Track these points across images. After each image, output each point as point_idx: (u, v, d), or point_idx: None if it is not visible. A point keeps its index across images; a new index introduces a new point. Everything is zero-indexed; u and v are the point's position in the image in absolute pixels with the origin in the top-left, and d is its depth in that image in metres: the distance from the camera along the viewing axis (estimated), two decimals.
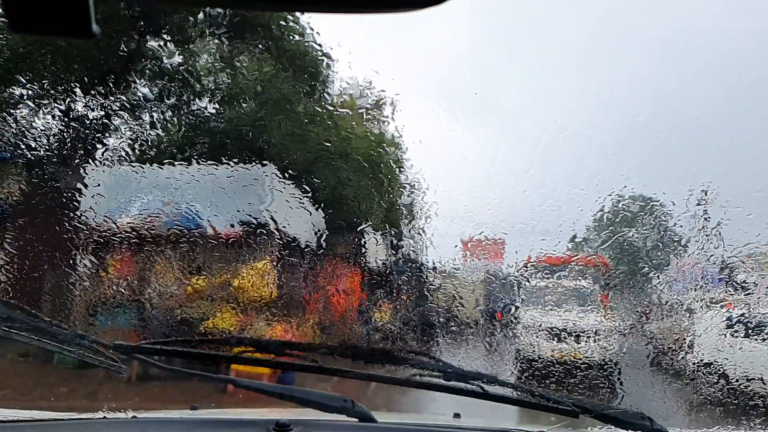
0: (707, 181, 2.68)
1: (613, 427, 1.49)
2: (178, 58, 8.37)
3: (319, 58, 7.02)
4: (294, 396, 1.34)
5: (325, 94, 7.13)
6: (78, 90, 9.72)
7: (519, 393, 1.19)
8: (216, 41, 7.85)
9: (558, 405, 1.15)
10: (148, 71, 7.96)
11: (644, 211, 3.57)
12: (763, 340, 3.40)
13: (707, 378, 2.29)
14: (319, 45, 6.56)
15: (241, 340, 1.32)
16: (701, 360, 2.71)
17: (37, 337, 1.26)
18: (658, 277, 3.79)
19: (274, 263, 9.50)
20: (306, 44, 6.97)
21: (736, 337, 3.22)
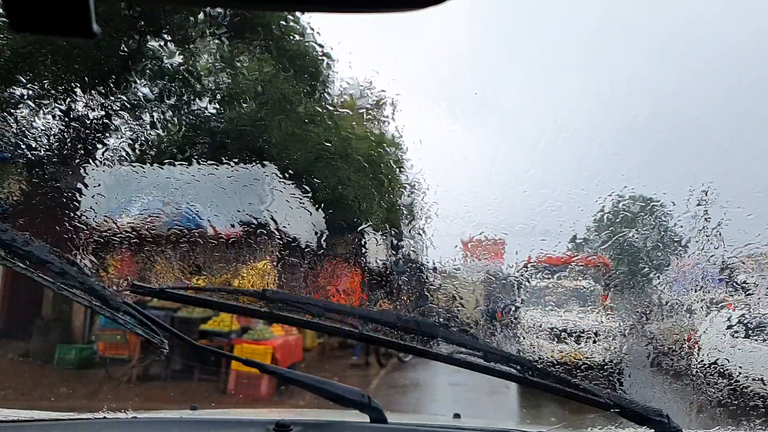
0: (707, 182, 2.68)
1: (613, 427, 1.49)
2: (178, 58, 8.37)
3: (320, 58, 7.02)
4: (312, 385, 1.33)
5: (325, 94, 7.13)
6: (78, 90, 9.72)
7: (556, 382, 1.18)
8: (216, 41, 7.85)
9: (594, 397, 1.16)
10: (148, 71, 7.97)
11: (644, 211, 3.57)
12: (764, 340, 3.40)
13: (707, 378, 2.29)
14: (320, 45, 6.57)
15: (278, 296, 1.24)
16: (701, 360, 2.71)
17: (90, 298, 1.24)
18: (658, 277, 3.79)
19: (274, 263, 9.51)
20: (306, 44, 6.98)
21: (737, 337, 3.22)
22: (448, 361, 1.20)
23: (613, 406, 1.14)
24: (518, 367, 1.17)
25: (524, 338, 9.48)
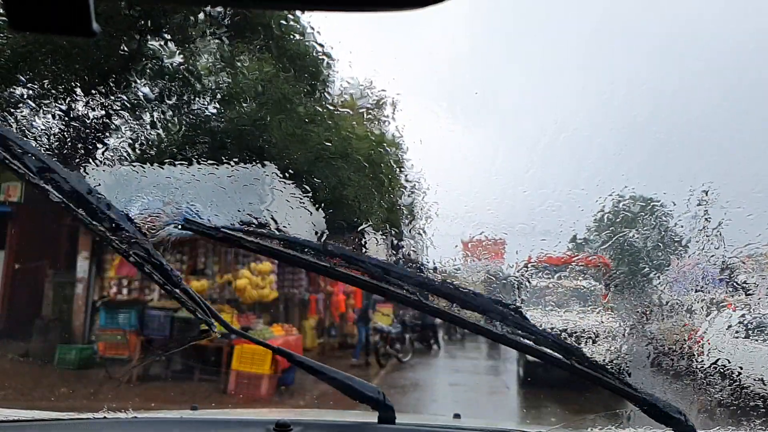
0: (707, 182, 2.68)
1: (613, 427, 1.49)
2: (178, 58, 8.37)
3: (320, 57, 7.02)
4: (333, 378, 1.34)
5: (325, 93, 7.13)
6: (78, 90, 9.70)
7: (599, 372, 1.17)
8: (216, 41, 7.85)
9: (634, 392, 1.15)
10: (148, 71, 7.97)
11: (645, 211, 3.57)
12: (764, 341, 3.41)
13: (707, 379, 2.29)
14: (320, 45, 6.57)
15: (339, 251, 1.14)
16: (701, 361, 2.72)
17: (155, 272, 1.22)
18: (658, 277, 3.79)
19: (275, 263, 9.52)
20: (306, 44, 6.98)
21: (737, 337, 3.23)
22: (501, 340, 1.18)
23: (647, 403, 1.14)
24: (566, 354, 1.16)
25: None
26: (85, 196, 1.09)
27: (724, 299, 3.23)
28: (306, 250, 1.19)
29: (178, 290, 1.26)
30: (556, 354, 1.15)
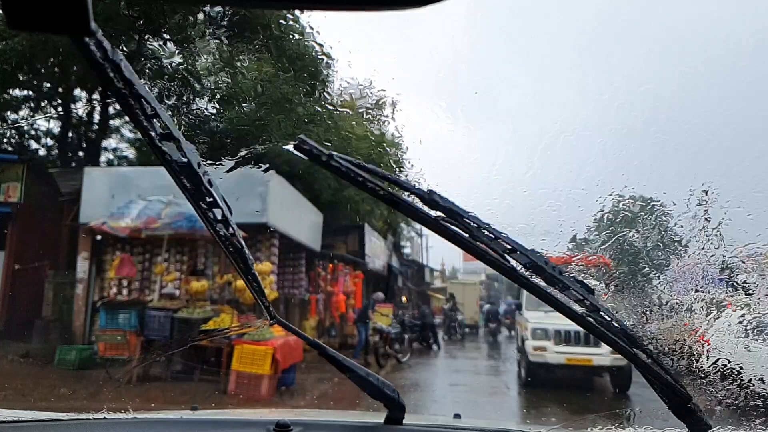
0: (707, 181, 2.68)
1: (613, 427, 1.49)
2: (177, 58, 8.36)
3: (319, 57, 7.01)
4: (353, 372, 1.35)
5: (325, 93, 7.12)
6: (78, 90, 9.67)
7: (660, 367, 1.17)
8: (216, 41, 7.85)
9: (681, 389, 1.16)
10: (147, 71, 7.96)
11: (644, 211, 3.57)
12: (764, 340, 3.40)
13: (707, 378, 2.29)
14: (319, 44, 6.57)
15: (445, 203, 1.10)
16: (701, 361, 2.72)
17: (238, 257, 1.24)
18: (658, 277, 3.79)
19: (276, 264, 9.52)
20: (306, 44, 6.97)
21: (737, 337, 3.22)
22: (577, 320, 1.17)
23: (689, 400, 1.15)
24: (631, 343, 1.16)
25: (527, 339, 9.47)
26: (195, 168, 1.11)
27: (724, 299, 3.22)
28: (411, 197, 1.17)
29: (249, 276, 1.30)
30: (621, 341, 1.15)
